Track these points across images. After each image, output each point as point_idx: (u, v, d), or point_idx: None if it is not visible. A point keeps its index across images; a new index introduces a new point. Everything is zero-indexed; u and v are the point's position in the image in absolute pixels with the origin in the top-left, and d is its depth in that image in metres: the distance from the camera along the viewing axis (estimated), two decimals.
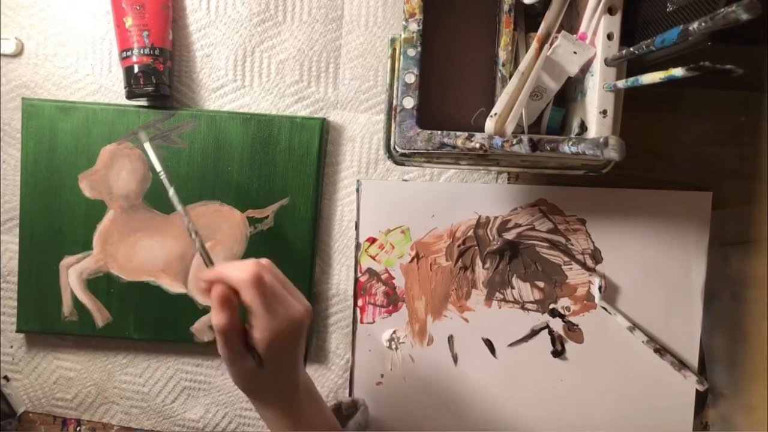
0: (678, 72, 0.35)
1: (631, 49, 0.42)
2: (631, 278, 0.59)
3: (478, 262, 0.59)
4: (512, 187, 0.59)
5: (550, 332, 0.59)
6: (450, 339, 0.60)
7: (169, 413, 0.60)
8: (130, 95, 0.55)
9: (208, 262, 0.48)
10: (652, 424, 0.60)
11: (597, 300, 0.59)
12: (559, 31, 0.46)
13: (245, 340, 0.44)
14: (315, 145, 0.57)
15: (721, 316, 0.59)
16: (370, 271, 0.59)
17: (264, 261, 0.45)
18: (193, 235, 0.49)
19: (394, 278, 0.59)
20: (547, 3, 0.47)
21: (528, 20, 0.50)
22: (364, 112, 0.59)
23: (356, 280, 0.59)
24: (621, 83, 0.43)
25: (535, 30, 0.47)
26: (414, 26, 0.46)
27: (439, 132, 0.46)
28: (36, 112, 0.57)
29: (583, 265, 0.59)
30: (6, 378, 0.60)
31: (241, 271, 0.42)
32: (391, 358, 0.60)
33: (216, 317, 0.43)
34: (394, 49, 0.49)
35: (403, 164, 0.52)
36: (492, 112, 0.43)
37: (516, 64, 0.48)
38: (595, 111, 0.45)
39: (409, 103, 0.46)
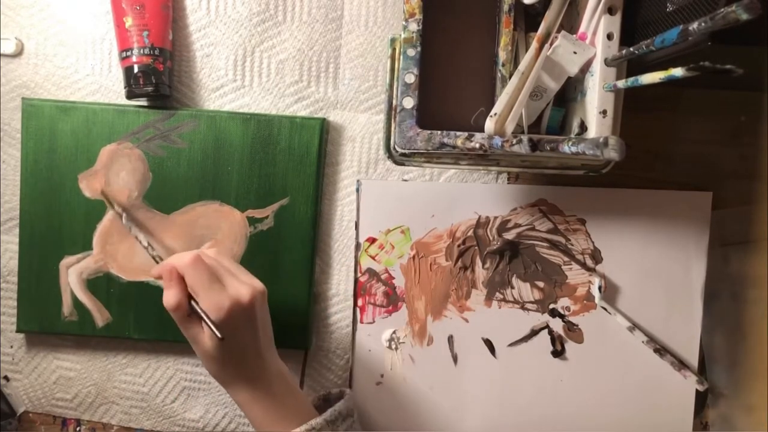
0: (678, 72, 0.34)
1: (631, 49, 0.42)
2: (631, 278, 0.59)
3: (478, 262, 0.59)
4: (512, 187, 0.59)
5: (550, 332, 0.59)
6: (450, 339, 0.60)
7: (169, 413, 0.60)
8: (130, 95, 0.55)
9: (159, 259, 0.51)
10: (652, 424, 0.60)
11: (597, 300, 0.59)
12: (559, 31, 0.46)
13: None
14: (315, 145, 0.57)
15: (721, 316, 0.59)
16: (370, 271, 0.59)
17: (204, 248, 0.49)
18: (136, 235, 0.53)
19: (394, 278, 0.59)
20: (547, 3, 0.47)
21: (528, 20, 0.50)
22: (364, 112, 0.59)
23: (356, 280, 0.59)
24: (621, 83, 0.43)
25: (535, 30, 0.47)
26: (414, 26, 0.46)
27: (439, 132, 0.46)
28: (36, 112, 0.57)
29: (583, 265, 0.59)
30: (6, 378, 0.60)
31: (182, 256, 0.46)
32: (391, 358, 0.60)
33: (165, 296, 0.45)
34: (394, 49, 0.49)
35: (403, 164, 0.52)
36: (492, 112, 0.43)
37: (516, 64, 0.48)
38: (595, 111, 0.45)
39: (409, 103, 0.46)
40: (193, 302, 0.45)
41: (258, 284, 0.47)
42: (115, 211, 0.55)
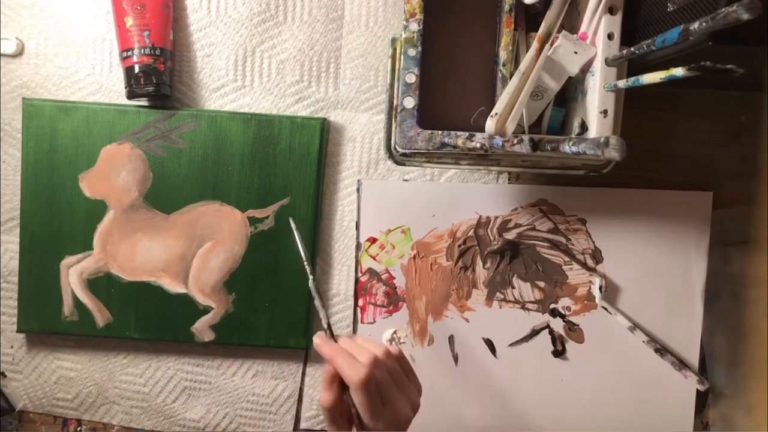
0: (678, 72, 0.35)
1: (632, 49, 0.42)
2: (631, 278, 0.59)
3: (479, 262, 0.59)
4: (513, 187, 0.59)
5: (551, 332, 0.59)
6: (450, 339, 0.60)
7: (169, 413, 0.60)
8: (130, 95, 0.55)
9: (330, 336, 0.49)
10: (652, 424, 0.60)
11: (597, 300, 0.59)
12: (559, 31, 0.46)
13: (349, 419, 0.45)
14: (315, 145, 0.57)
15: (721, 316, 0.59)
16: (371, 271, 0.59)
17: (382, 354, 0.45)
18: (321, 311, 0.50)
19: (394, 278, 0.59)
20: (548, 3, 0.47)
21: (528, 20, 0.50)
22: (365, 112, 0.59)
23: (357, 280, 0.59)
24: (621, 83, 0.43)
25: (536, 30, 0.47)
26: (414, 26, 0.46)
27: (440, 132, 0.46)
28: (36, 112, 0.57)
29: (584, 265, 0.59)
30: (3, 374, 0.60)
31: (353, 370, 0.43)
32: None
33: (322, 395, 0.44)
34: (394, 49, 0.49)
35: (403, 164, 0.52)
36: (492, 112, 0.43)
37: (516, 64, 0.48)
38: (596, 111, 0.46)
39: (410, 102, 0.46)
40: (353, 411, 0.44)
41: (417, 403, 0.46)
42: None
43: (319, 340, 0.47)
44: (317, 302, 0.50)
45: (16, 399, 0.60)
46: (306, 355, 0.60)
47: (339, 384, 0.44)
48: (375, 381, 0.43)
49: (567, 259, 0.59)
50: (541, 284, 0.59)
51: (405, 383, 0.47)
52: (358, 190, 0.59)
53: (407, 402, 0.45)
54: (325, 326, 0.49)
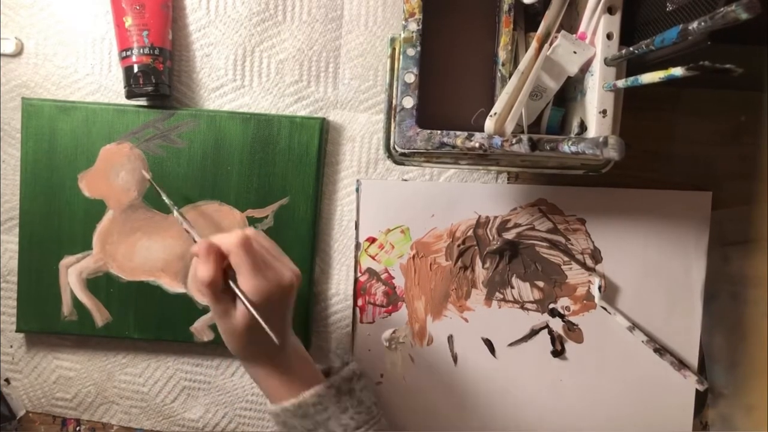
0: (678, 71, 0.34)
1: (631, 48, 0.42)
2: (630, 278, 0.59)
3: (478, 261, 0.59)
4: (512, 186, 0.59)
5: (550, 332, 0.59)
6: (450, 339, 0.60)
7: (168, 413, 0.60)
8: (129, 95, 0.55)
9: (197, 238, 0.51)
10: (651, 424, 0.60)
11: (597, 300, 0.59)
12: (558, 31, 0.46)
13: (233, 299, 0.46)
14: (315, 144, 0.57)
15: (720, 316, 0.59)
16: (370, 271, 0.59)
17: (250, 230, 0.48)
18: (175, 212, 0.53)
19: (393, 278, 0.59)
20: (547, 2, 0.47)
21: (528, 20, 0.50)
22: (364, 112, 0.59)
23: (356, 279, 0.59)
24: (621, 83, 0.43)
25: (535, 30, 0.47)
26: (413, 26, 0.46)
27: (439, 131, 0.46)
28: (36, 111, 0.57)
29: (583, 264, 0.59)
30: (7, 381, 0.60)
31: (229, 236, 0.45)
32: (390, 358, 0.60)
33: (202, 269, 0.45)
34: (393, 49, 0.49)
35: (402, 164, 0.52)
36: (492, 112, 0.43)
37: (516, 63, 0.48)
38: (595, 111, 0.45)
39: (409, 102, 0.46)
40: (231, 282, 0.46)
41: (296, 270, 0.48)
42: (158, 189, 0.55)
43: (194, 246, 0.47)
44: (185, 225, 0.52)
45: (18, 406, 0.60)
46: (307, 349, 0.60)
47: (215, 258, 0.45)
48: (250, 244, 0.45)
49: (566, 258, 0.59)
50: (541, 284, 0.59)
51: (281, 253, 0.49)
52: (357, 189, 0.59)
53: (285, 267, 0.47)
54: (185, 226, 0.52)
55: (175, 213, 0.53)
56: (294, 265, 0.49)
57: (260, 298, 0.45)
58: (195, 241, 0.51)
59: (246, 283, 0.45)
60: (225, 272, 0.46)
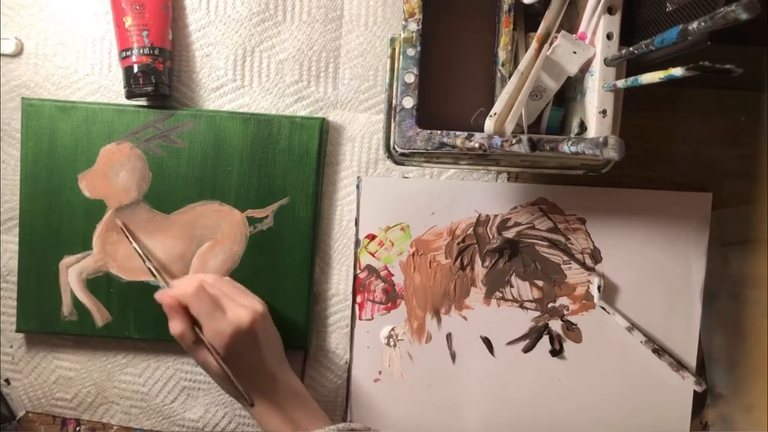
0: (677, 72, 0.34)
1: (631, 48, 0.42)
2: (630, 278, 0.59)
3: (478, 260, 0.59)
4: (512, 185, 0.59)
5: (549, 331, 0.59)
6: (448, 337, 0.60)
7: (168, 413, 0.60)
8: (129, 95, 0.55)
9: (166, 284, 0.53)
10: (649, 425, 0.60)
11: (596, 299, 0.59)
12: (558, 31, 0.46)
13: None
14: (315, 144, 0.57)
15: (720, 316, 0.59)
16: (369, 268, 0.59)
17: (207, 276, 0.51)
18: (146, 261, 0.55)
19: (393, 275, 0.59)
20: (547, 3, 0.47)
21: (528, 20, 0.50)
22: (364, 112, 0.59)
23: (355, 276, 0.59)
24: (620, 83, 0.43)
25: (535, 30, 0.47)
26: (413, 26, 0.46)
27: (439, 132, 0.46)
28: (36, 111, 0.57)
29: (583, 264, 0.59)
30: (7, 381, 0.60)
31: (186, 286, 0.48)
32: (389, 356, 0.60)
33: (171, 324, 0.48)
34: (393, 49, 0.49)
35: (402, 164, 0.52)
36: (491, 112, 0.43)
37: (516, 63, 0.48)
38: (595, 111, 0.46)
39: (409, 102, 0.46)
40: (197, 330, 0.48)
41: (258, 306, 0.49)
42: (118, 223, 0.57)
43: (157, 294, 0.51)
44: (149, 265, 0.54)
45: (18, 407, 0.60)
46: (305, 355, 0.60)
47: (179, 311, 0.48)
48: (204, 292, 0.48)
49: (566, 258, 0.59)
50: (540, 283, 0.59)
51: (240, 292, 0.51)
52: (357, 186, 0.59)
53: (242, 307, 0.48)
54: (163, 285, 0.53)
55: (147, 264, 0.55)
56: (258, 302, 0.50)
57: (222, 344, 0.47)
58: (153, 274, 0.54)
59: (207, 332, 0.47)
60: (196, 321, 0.48)
